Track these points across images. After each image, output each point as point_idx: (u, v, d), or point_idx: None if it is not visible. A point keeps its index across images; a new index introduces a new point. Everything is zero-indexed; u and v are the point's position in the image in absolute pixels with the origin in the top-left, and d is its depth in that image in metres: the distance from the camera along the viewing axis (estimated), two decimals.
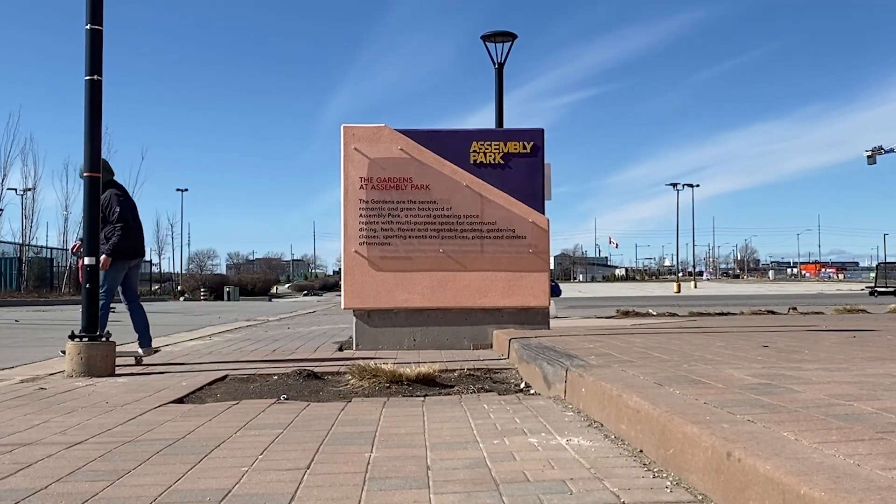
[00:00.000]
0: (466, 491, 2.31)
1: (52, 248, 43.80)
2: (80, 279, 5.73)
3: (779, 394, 2.97)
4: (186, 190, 68.23)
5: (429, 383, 4.66)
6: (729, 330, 7.65)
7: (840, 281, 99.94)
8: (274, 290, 61.27)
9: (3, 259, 39.64)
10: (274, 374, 5.29)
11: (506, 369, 5.55)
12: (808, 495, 1.67)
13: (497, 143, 7.71)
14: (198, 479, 2.53)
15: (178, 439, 3.17)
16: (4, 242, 40.79)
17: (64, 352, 5.63)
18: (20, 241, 41.09)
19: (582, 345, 5.57)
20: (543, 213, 7.67)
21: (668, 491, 2.25)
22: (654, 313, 13.76)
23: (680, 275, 74.11)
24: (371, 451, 2.88)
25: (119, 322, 7.53)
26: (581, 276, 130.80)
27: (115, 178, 6.86)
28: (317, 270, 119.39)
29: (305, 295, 57.81)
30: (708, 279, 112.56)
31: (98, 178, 5.73)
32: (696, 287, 65.80)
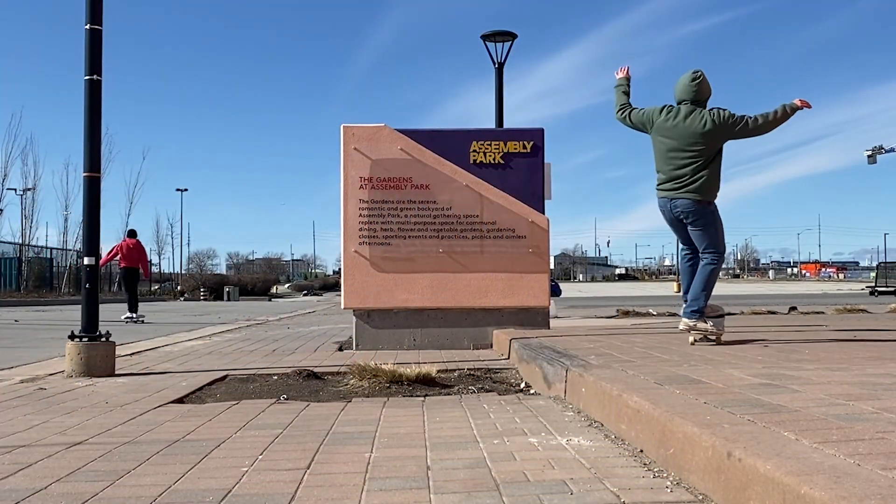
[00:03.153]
0: (466, 491, 2.31)
1: (52, 249, 43.79)
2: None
3: (779, 393, 2.97)
4: (186, 190, 68.24)
5: (429, 383, 4.66)
6: (729, 329, 7.63)
7: (840, 280, 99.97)
8: (274, 290, 61.17)
9: (2, 259, 39.62)
10: (274, 374, 5.28)
11: (506, 369, 5.55)
12: (808, 495, 1.66)
13: (497, 142, 7.71)
14: (198, 479, 2.52)
15: (177, 439, 3.17)
16: (4, 242, 40.80)
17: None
18: (20, 241, 41.11)
19: (582, 344, 5.57)
20: (543, 213, 7.67)
21: (669, 491, 2.25)
22: (655, 313, 13.74)
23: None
24: (371, 451, 2.87)
25: (119, 322, 7.53)
26: (581, 275, 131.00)
27: None
28: (317, 270, 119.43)
29: (305, 295, 57.73)
30: None
31: (98, 178, 5.74)
32: None
